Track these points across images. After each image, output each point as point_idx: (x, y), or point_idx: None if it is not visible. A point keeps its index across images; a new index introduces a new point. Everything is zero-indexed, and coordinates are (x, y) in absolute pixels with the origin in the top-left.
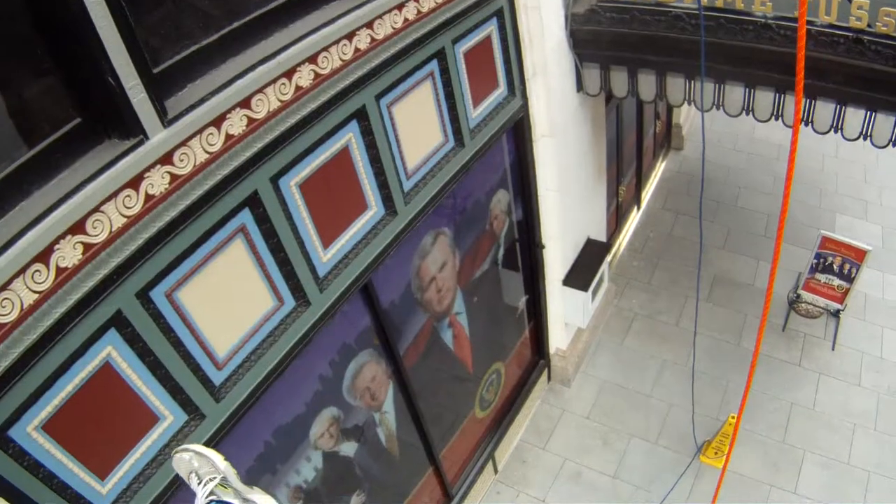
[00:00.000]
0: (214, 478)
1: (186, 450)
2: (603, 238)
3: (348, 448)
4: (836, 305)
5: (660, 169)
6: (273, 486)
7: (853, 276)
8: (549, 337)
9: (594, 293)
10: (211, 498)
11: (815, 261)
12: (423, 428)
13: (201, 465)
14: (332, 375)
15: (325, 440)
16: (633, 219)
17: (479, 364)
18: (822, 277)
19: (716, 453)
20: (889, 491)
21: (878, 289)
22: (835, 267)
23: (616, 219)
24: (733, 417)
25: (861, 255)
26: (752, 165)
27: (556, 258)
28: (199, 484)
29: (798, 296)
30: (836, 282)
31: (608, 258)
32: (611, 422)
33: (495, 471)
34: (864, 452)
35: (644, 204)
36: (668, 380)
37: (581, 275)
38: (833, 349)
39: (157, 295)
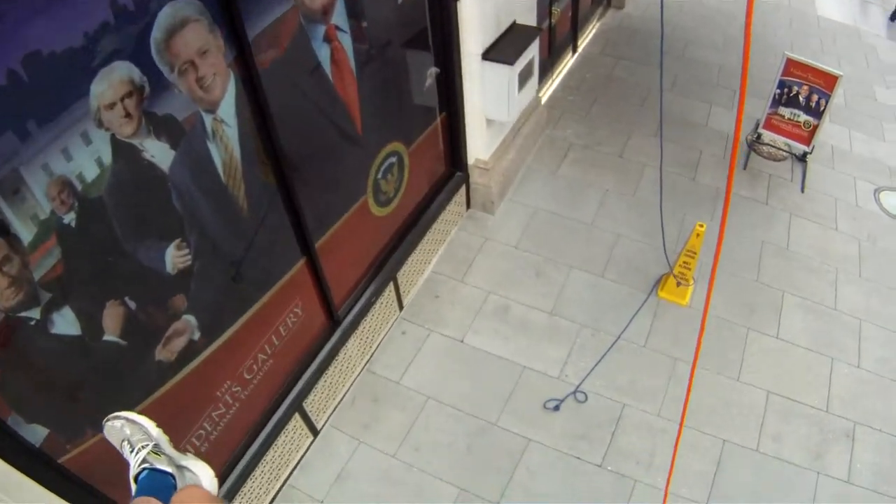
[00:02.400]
0: (146, 445)
1: (118, 417)
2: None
3: (158, 153)
4: (803, 147)
5: (598, 23)
6: (25, 164)
7: (822, 109)
8: (467, 141)
9: (522, 81)
10: (144, 466)
11: (777, 91)
12: (285, 177)
13: (133, 432)
14: (133, 8)
15: (115, 117)
16: (568, 61)
17: (372, 128)
18: (785, 112)
19: (678, 285)
20: (886, 341)
21: (846, 142)
22: (800, 98)
23: (549, 48)
24: (701, 225)
25: (832, 81)
26: (700, 25)
27: (474, 22)
28: (131, 452)
29: (758, 135)
30: (803, 117)
31: (538, 42)
32: (545, 252)
33: (400, 307)
34: (852, 299)
35: (580, 48)
36: (613, 209)
37: (505, 50)
38: (802, 192)
39: None
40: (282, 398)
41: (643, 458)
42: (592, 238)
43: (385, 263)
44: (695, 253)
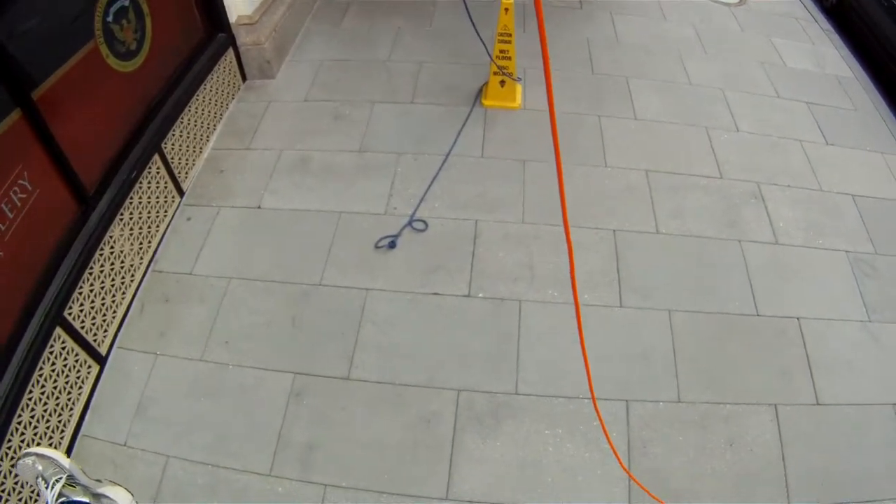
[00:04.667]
0: (60, 478)
1: (28, 454)
2: None
3: None
4: None
5: None
6: None
7: None
8: None
9: None
10: (61, 500)
11: None
12: None
13: (46, 467)
14: None
15: None
16: None
17: None
18: None
19: (502, 85)
20: (758, 104)
21: None
22: None
23: None
24: (506, 8)
25: None
26: None
27: None
28: (46, 488)
29: None
30: None
31: None
32: (340, 95)
33: (180, 192)
34: (706, 72)
35: None
36: (410, 43)
37: None
38: None
39: None
40: (32, 308)
41: (522, 273)
42: (392, 72)
43: (143, 133)
44: (510, 35)
